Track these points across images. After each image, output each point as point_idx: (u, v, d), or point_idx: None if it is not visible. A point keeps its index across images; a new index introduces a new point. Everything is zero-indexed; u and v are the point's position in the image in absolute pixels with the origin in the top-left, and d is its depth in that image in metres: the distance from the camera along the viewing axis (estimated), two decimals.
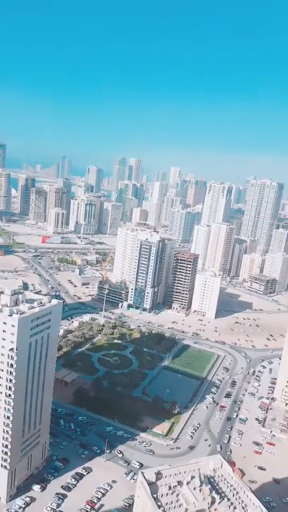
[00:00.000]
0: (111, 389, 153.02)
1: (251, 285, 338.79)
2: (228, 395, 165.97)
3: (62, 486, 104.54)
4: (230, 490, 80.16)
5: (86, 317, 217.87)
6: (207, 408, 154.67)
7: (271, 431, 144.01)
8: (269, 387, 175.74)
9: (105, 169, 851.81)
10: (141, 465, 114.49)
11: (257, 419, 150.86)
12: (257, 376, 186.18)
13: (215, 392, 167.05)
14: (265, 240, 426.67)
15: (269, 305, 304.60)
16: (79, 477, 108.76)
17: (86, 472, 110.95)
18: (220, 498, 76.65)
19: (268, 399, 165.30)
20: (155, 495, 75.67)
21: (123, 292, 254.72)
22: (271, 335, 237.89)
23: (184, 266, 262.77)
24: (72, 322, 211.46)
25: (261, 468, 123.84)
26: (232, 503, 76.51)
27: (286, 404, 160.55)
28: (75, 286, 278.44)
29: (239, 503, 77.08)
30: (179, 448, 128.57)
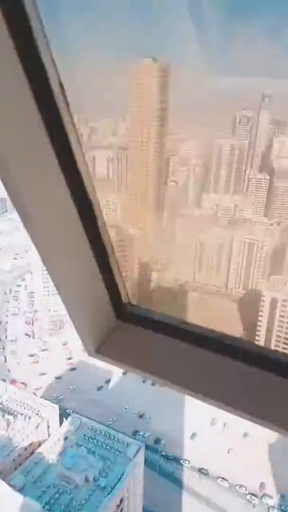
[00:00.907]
0: None
1: None
2: None
3: None
4: (21, 406, 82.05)
5: None
6: None
7: (41, 339, 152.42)
8: (29, 301, 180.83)
9: None
10: None
11: (26, 334, 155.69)
12: (14, 296, 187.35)
13: None
14: None
15: (6, 226, 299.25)
16: None
17: None
18: (14, 417, 77.63)
19: (31, 312, 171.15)
20: None
21: None
22: (16, 254, 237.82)
23: None
24: None
25: (42, 374, 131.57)
26: (26, 415, 79.02)
27: (49, 310, 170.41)
28: None
29: (33, 411, 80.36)
30: None
